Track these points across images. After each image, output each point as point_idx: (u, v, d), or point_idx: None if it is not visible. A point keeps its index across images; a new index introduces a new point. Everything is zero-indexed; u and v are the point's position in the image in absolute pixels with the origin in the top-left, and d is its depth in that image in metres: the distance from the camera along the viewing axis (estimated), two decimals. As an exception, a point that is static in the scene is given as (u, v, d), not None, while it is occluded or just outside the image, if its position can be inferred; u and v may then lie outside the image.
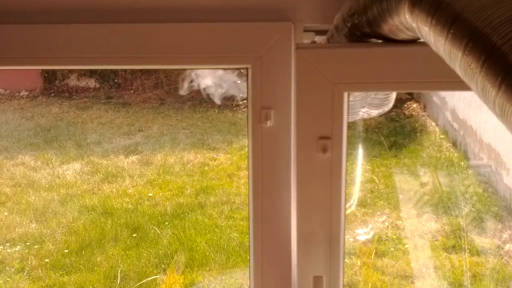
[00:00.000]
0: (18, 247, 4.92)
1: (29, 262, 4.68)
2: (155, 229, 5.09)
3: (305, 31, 1.39)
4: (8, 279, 4.51)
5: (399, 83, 1.24)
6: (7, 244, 4.96)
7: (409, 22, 0.87)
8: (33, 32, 1.37)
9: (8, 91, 8.35)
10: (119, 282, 4.45)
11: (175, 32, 1.35)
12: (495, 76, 0.63)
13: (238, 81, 5.77)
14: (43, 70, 8.29)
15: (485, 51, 0.66)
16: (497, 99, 0.64)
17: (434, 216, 5.01)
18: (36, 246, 4.90)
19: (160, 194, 5.73)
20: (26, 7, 1.38)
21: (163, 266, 4.63)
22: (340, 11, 1.24)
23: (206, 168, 6.23)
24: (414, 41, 1.15)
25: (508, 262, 4.41)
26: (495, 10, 0.66)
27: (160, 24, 1.35)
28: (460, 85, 0.81)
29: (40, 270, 4.59)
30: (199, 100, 7.80)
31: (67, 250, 4.83)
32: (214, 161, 6.38)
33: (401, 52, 1.21)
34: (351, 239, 4.80)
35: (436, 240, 4.74)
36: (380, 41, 1.21)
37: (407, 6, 0.86)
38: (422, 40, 0.86)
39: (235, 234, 5.00)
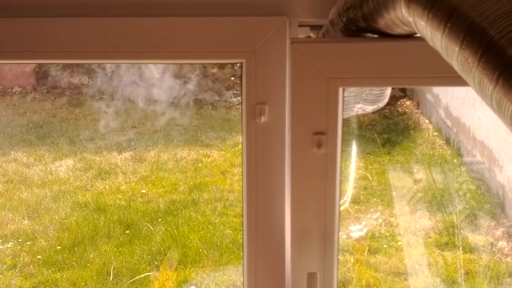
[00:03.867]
0: (10, 243, 4.89)
1: (22, 259, 4.66)
2: (148, 226, 5.08)
3: (300, 25, 1.38)
4: (0, 275, 4.49)
5: (395, 78, 1.24)
6: (-1, 240, 4.94)
7: (406, 17, 0.87)
8: (27, 26, 1.36)
9: (0, 87, 8.31)
10: (112, 278, 4.44)
11: (169, 26, 1.34)
12: (493, 71, 0.63)
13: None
14: (36, 66, 8.25)
15: (482, 46, 0.65)
16: (494, 94, 0.63)
17: (427, 213, 5.01)
18: (28, 243, 4.88)
19: (153, 190, 5.72)
20: (19, 0, 1.37)
21: (156, 263, 4.62)
22: (335, 6, 1.23)
23: (200, 165, 6.22)
24: (410, 36, 1.14)
25: (501, 259, 4.42)
26: (492, 4, 0.66)
27: (154, 18, 1.34)
28: (457, 80, 0.80)
29: (32, 267, 4.57)
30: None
31: (59, 247, 4.82)
32: (208, 158, 6.37)
33: (397, 47, 1.21)
34: (345, 236, 4.81)
35: (429, 237, 4.74)
36: (376, 35, 1.20)
37: (404, 0, 0.85)
38: (418, 34, 0.85)
39: (228, 231, 4.99)
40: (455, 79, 0.84)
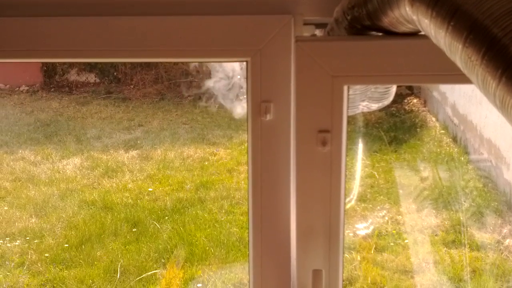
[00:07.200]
0: (18, 241, 4.92)
1: (29, 257, 4.69)
2: (155, 224, 5.09)
3: (305, 24, 1.38)
4: (8, 273, 4.51)
5: (400, 76, 1.24)
6: (7, 238, 4.96)
7: (410, 15, 0.87)
8: (34, 25, 1.37)
9: (8, 85, 8.34)
10: (119, 276, 4.45)
11: (174, 25, 1.35)
12: (496, 68, 0.63)
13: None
14: (43, 64, 8.28)
15: (485, 43, 0.65)
16: (497, 91, 0.64)
17: (434, 211, 5.01)
18: (36, 241, 4.90)
19: (160, 189, 5.73)
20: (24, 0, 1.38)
21: (163, 260, 4.63)
22: (340, 4, 1.23)
23: (206, 163, 6.23)
24: (414, 34, 1.14)
25: (508, 257, 4.41)
26: (495, 2, 0.66)
27: (159, 17, 1.35)
28: (460, 77, 0.80)
29: (40, 265, 4.59)
30: (199, 95, 7.79)
31: (67, 245, 4.84)
32: (214, 156, 6.38)
33: (401, 45, 1.21)
34: (351, 234, 4.80)
35: (436, 235, 4.74)
36: (380, 34, 1.20)
37: (407, -2, 0.86)
38: (422, 32, 0.85)
39: (235, 229, 5.00)
40: (459, 77, 0.84)
